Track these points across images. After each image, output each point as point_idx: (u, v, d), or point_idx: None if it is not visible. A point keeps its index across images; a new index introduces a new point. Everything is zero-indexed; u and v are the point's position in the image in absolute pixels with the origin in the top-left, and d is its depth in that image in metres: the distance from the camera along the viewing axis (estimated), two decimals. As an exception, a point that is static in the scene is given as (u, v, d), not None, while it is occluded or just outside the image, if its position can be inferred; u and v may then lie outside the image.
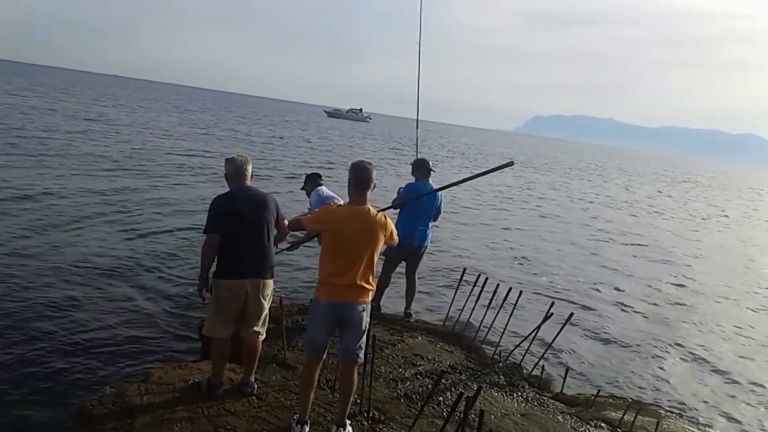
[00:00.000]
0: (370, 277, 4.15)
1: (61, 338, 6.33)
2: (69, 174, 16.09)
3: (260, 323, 4.67)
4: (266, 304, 4.66)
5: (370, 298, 4.20)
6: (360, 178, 4.10)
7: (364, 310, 4.12)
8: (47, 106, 40.64)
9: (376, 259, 4.16)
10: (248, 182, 4.69)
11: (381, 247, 4.21)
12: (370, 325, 4.44)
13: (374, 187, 4.17)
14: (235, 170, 4.65)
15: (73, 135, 25.35)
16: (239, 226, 4.48)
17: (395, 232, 4.27)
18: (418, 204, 6.93)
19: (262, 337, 4.74)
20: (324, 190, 7.10)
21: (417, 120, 8.37)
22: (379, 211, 4.27)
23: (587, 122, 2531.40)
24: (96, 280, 8.26)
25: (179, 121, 47.10)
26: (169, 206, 13.99)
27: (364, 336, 4.20)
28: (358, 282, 4.05)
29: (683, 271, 15.21)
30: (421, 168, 7.13)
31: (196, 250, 10.14)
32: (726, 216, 32.11)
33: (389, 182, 19.32)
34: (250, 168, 4.72)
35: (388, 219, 4.22)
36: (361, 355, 4.24)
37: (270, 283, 4.66)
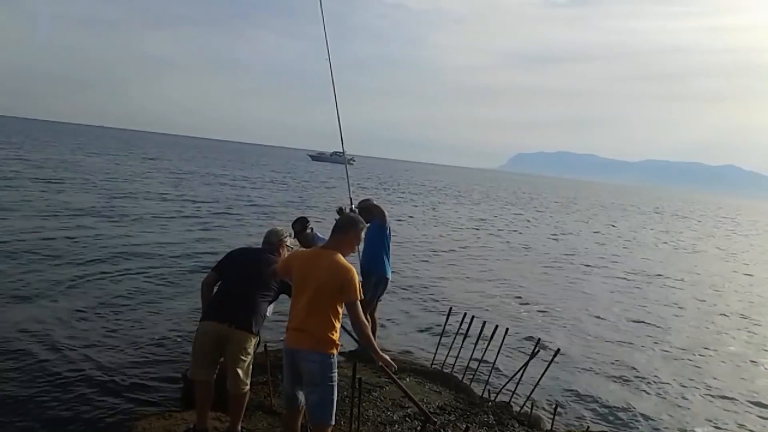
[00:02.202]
0: (326, 327, 3.83)
1: (41, 388, 6.17)
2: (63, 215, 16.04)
3: (241, 375, 4.50)
4: (244, 358, 4.52)
5: (329, 350, 3.85)
6: (338, 222, 4.13)
7: (315, 362, 3.81)
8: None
9: (333, 307, 3.87)
10: (280, 249, 4.92)
11: (336, 296, 3.85)
12: (360, 383, 4.39)
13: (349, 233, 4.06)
14: (265, 237, 4.99)
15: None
16: (233, 273, 4.65)
17: (358, 290, 3.88)
18: (382, 239, 7.18)
19: (244, 389, 4.57)
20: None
21: (344, 158, 8.47)
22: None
23: (569, 158, 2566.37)
24: (78, 323, 8.16)
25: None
26: (159, 249, 13.92)
27: (329, 394, 3.86)
28: (308, 328, 3.82)
29: (663, 298, 15.28)
30: (369, 208, 7.25)
31: (187, 296, 10.13)
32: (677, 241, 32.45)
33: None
34: (284, 240, 4.98)
35: (354, 273, 3.89)
36: (327, 415, 3.86)
37: (245, 336, 4.48)
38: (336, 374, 3.91)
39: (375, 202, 7.40)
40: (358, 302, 3.87)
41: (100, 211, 19.39)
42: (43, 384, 6.26)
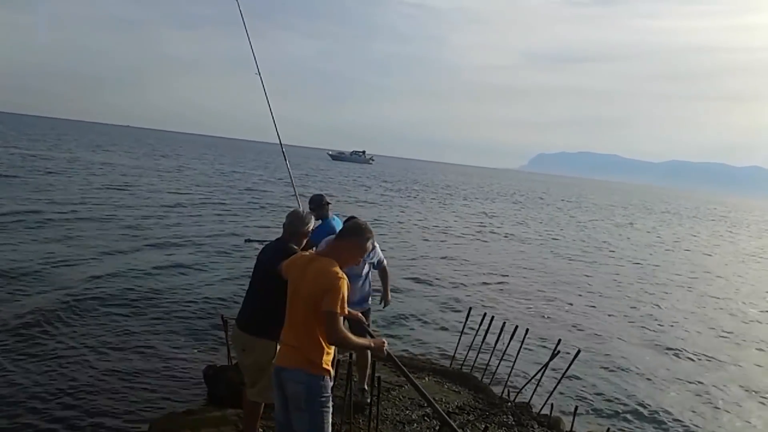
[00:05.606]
0: (316, 345, 3.29)
1: (60, 382, 6.27)
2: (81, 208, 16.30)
3: (251, 383, 4.22)
4: (249, 365, 4.19)
5: (319, 371, 3.30)
6: (342, 227, 3.66)
7: (302, 383, 3.27)
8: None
9: (315, 320, 3.25)
10: (296, 238, 4.26)
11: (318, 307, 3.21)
12: (379, 381, 4.29)
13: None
14: (286, 221, 4.33)
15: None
16: (253, 273, 4.37)
17: (340, 302, 3.19)
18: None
19: (257, 398, 4.25)
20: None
21: (283, 152, 7.96)
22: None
23: (592, 158, 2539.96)
24: (100, 316, 8.30)
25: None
26: (187, 243, 14.04)
27: (320, 421, 3.30)
28: (295, 344, 3.32)
29: (680, 296, 15.09)
30: (324, 205, 6.78)
31: (209, 291, 10.22)
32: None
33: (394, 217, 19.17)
34: (309, 227, 4.32)
35: (342, 282, 3.23)
36: None
37: (250, 339, 4.11)
38: (329, 398, 3.36)
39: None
40: (336, 313, 3.18)
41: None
42: (63, 379, 6.35)
